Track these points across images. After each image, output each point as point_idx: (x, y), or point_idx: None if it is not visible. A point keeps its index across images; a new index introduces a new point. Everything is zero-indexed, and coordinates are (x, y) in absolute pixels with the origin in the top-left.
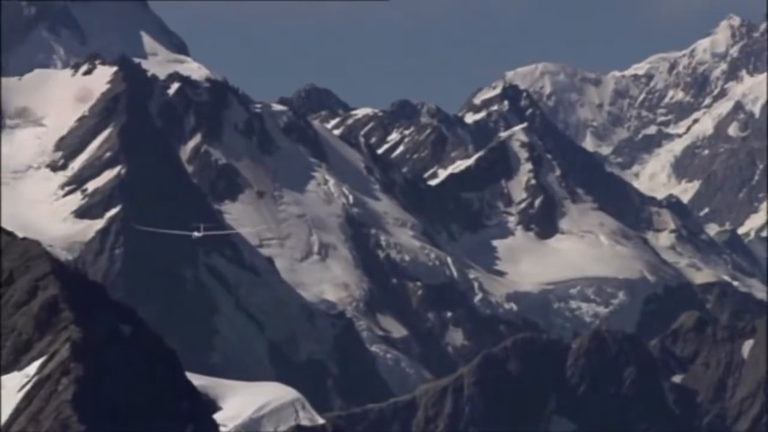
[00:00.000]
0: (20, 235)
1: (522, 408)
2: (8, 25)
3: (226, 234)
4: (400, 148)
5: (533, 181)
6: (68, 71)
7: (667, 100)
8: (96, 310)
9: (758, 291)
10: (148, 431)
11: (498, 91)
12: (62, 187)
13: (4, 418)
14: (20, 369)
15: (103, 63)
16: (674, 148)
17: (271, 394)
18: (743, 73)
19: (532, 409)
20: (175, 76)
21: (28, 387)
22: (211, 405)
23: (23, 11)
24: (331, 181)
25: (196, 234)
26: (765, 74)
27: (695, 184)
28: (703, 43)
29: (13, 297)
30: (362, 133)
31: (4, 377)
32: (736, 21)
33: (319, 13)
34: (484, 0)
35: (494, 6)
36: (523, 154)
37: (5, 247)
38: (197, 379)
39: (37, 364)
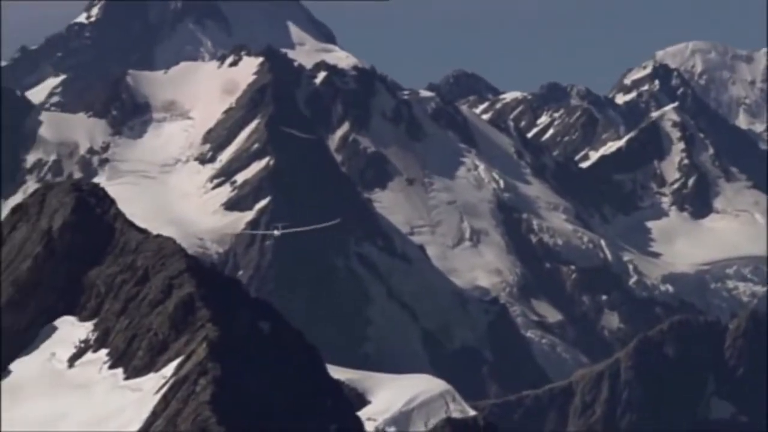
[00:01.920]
0: (171, 229)
1: (680, 392)
2: (157, 18)
3: (303, 231)
4: (550, 131)
5: (686, 161)
6: (214, 63)
7: None
8: (233, 308)
9: None
10: (290, 431)
11: (648, 71)
12: (211, 179)
13: (142, 420)
14: (156, 370)
15: (249, 54)
16: None
17: (421, 386)
18: None
19: (690, 392)
20: (321, 65)
21: (165, 389)
22: (359, 399)
23: (170, 5)
24: (481, 167)
25: (275, 233)
26: None
27: None
28: None
29: (147, 296)
30: (511, 117)
31: (140, 379)
32: None
33: None
34: None
35: None
36: (675, 133)
37: (140, 244)
38: (345, 373)
39: (173, 365)
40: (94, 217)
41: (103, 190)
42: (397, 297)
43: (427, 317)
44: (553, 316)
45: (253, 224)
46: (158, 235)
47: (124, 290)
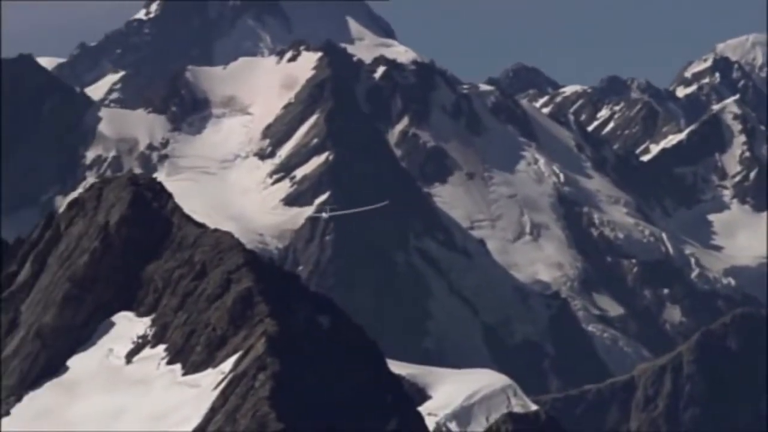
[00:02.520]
0: (230, 225)
1: (742, 385)
2: (216, 14)
3: (352, 213)
4: (611, 125)
5: (747, 154)
6: (273, 58)
7: None
8: (292, 302)
9: None
10: (349, 427)
11: (709, 63)
12: (270, 175)
13: (201, 416)
14: (215, 366)
15: (308, 49)
16: None
17: (482, 381)
18: None
19: (752, 385)
20: (381, 60)
21: (223, 384)
22: (419, 394)
23: (229, 1)
24: (542, 160)
25: (324, 215)
26: None
27: None
28: None
29: (205, 291)
30: (571, 110)
31: (198, 375)
32: None
33: None
34: None
35: None
36: (737, 126)
37: (198, 239)
38: (406, 368)
39: (232, 360)
40: (151, 212)
41: (160, 183)
42: (457, 292)
43: (487, 312)
44: (614, 310)
45: (312, 220)
46: (216, 230)
47: (182, 285)
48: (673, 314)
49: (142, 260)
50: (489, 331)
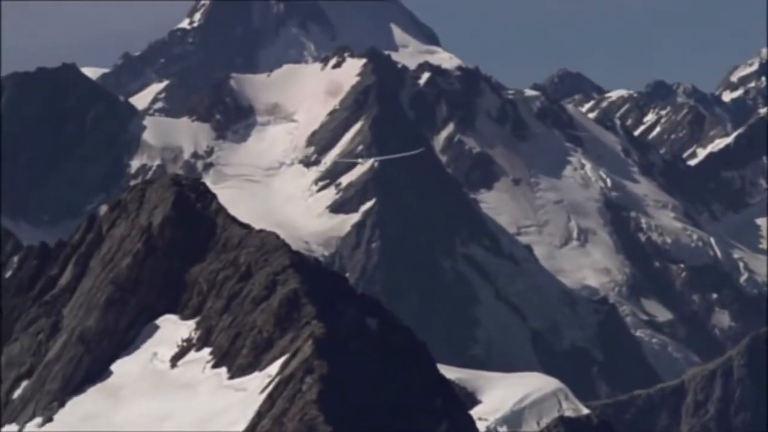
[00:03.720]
0: (277, 232)
1: None
2: (260, 22)
3: (387, 159)
4: (657, 129)
5: None
6: (317, 65)
7: None
8: (339, 304)
9: None
10: (398, 430)
11: (755, 67)
12: (316, 182)
13: (247, 420)
14: (261, 369)
15: (352, 56)
16: None
17: (533, 384)
18: None
19: None
20: (425, 66)
21: (270, 388)
22: (469, 398)
23: (273, 8)
24: (588, 165)
25: (360, 161)
26: None
27: None
28: None
29: (251, 292)
30: (618, 115)
31: (245, 378)
32: None
33: None
34: None
35: None
36: None
37: (242, 240)
38: (455, 373)
39: (278, 363)
40: (195, 213)
41: (203, 184)
42: (504, 298)
43: (535, 317)
44: (663, 315)
45: (358, 227)
46: (261, 230)
47: (227, 287)
48: (722, 319)
49: (186, 262)
50: (537, 337)
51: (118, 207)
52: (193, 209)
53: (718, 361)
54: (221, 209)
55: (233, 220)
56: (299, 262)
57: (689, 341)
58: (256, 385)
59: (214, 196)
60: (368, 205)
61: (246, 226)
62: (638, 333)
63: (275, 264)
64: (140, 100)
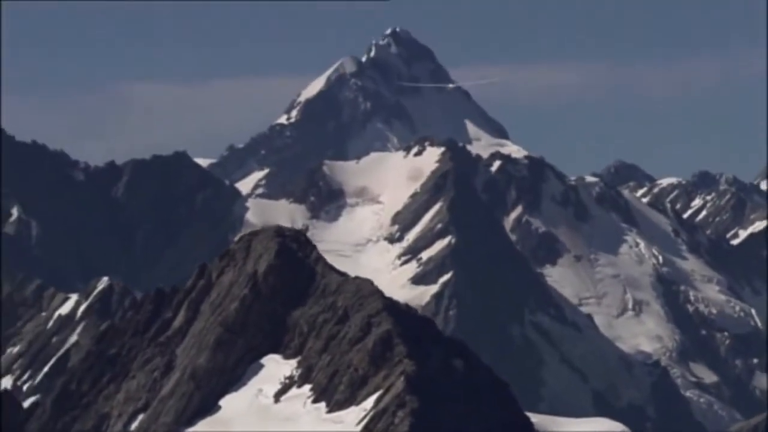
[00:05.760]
0: None
1: None
2: (349, 118)
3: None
4: (703, 213)
5: None
6: (400, 153)
7: None
8: (428, 345)
9: None
10: None
11: None
12: (399, 257)
13: None
14: (357, 404)
15: (432, 144)
16: None
17: (603, 426)
18: None
19: None
20: (496, 155)
21: (365, 420)
22: None
23: (360, 106)
24: (642, 244)
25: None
26: None
27: None
28: None
29: (348, 334)
30: (668, 200)
31: (342, 412)
32: None
33: (621, 97)
34: None
35: None
36: None
37: (340, 286)
38: (531, 417)
39: (373, 398)
40: (296, 261)
41: (304, 235)
42: (568, 361)
43: (596, 379)
44: (709, 377)
45: (437, 296)
46: (356, 277)
47: (326, 329)
48: (762, 381)
49: (289, 306)
50: (597, 396)
51: (227, 256)
52: (295, 258)
53: (759, 417)
54: (320, 258)
55: (331, 268)
56: (392, 306)
57: (733, 401)
58: (353, 418)
59: (314, 247)
60: (446, 277)
61: (343, 274)
62: (688, 393)
63: (370, 308)
64: (244, 186)
